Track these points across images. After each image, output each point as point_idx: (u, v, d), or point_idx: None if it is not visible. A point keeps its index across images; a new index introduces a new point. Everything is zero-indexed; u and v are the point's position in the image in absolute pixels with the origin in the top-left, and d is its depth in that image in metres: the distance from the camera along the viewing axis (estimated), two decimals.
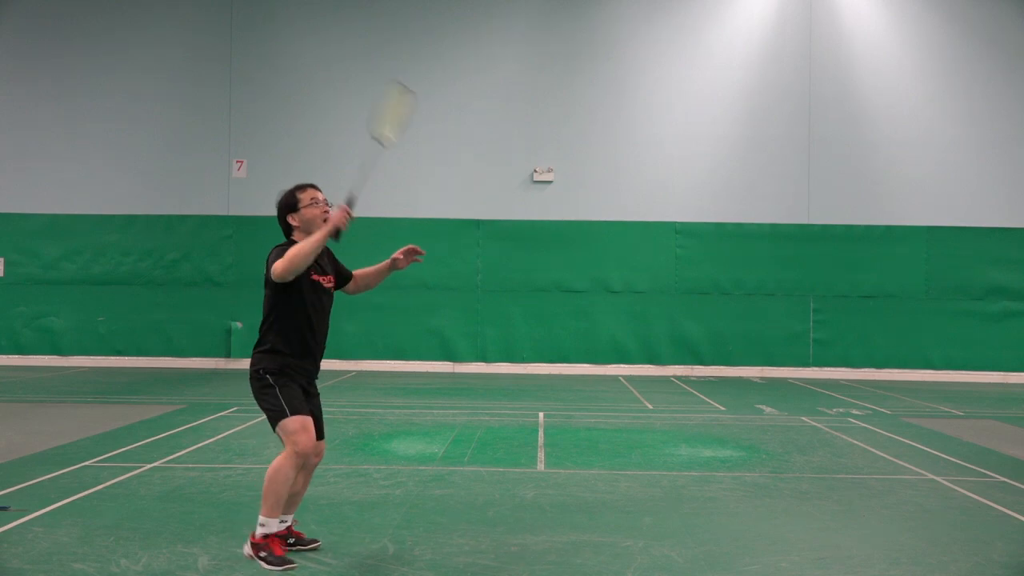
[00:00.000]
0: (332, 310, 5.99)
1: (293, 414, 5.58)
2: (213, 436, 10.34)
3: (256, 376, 5.70)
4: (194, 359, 19.94)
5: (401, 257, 6.09)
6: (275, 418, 5.62)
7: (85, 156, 20.31)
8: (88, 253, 20.16)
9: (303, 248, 5.48)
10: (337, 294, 6.10)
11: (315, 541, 6.05)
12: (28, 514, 6.64)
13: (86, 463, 8.57)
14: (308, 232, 5.77)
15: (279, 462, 5.56)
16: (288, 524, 5.90)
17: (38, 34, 20.51)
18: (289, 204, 5.93)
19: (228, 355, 19.82)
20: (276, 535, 5.64)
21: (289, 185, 6.18)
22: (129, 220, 20.19)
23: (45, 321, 20.06)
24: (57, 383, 16.19)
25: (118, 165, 20.29)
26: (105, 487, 7.60)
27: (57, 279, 20.12)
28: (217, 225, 20.15)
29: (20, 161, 20.35)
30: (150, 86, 20.39)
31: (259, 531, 5.56)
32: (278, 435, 5.67)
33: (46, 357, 19.96)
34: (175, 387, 15.74)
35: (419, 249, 6.14)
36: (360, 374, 18.21)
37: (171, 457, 9.01)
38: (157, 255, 20.17)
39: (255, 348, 5.78)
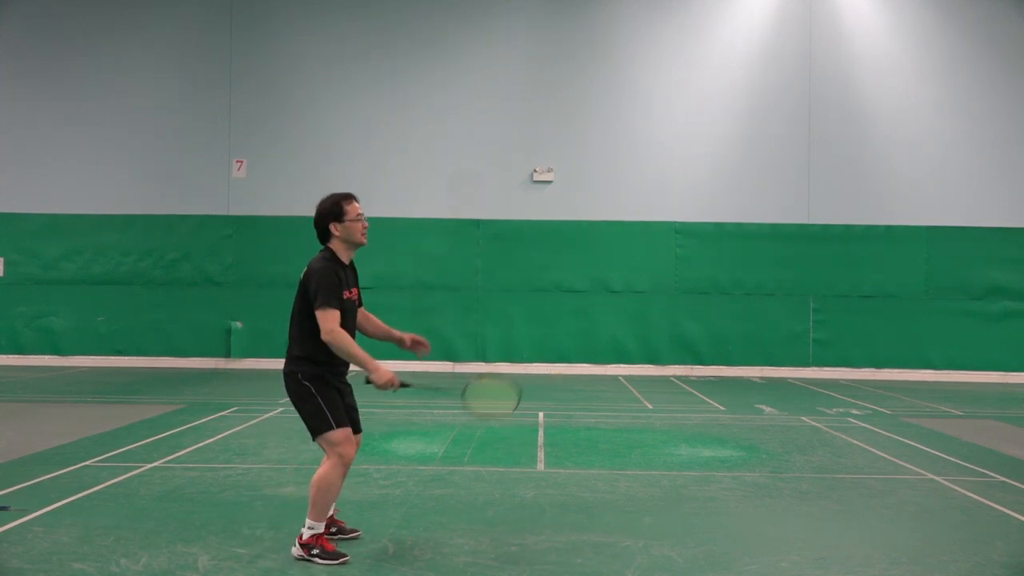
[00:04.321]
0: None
1: (338, 426, 5.78)
2: (213, 436, 10.35)
3: (295, 381, 5.82)
4: (194, 359, 19.92)
5: (407, 342, 6.30)
6: (319, 429, 5.75)
7: (85, 156, 20.29)
8: (88, 253, 20.15)
9: (350, 351, 5.75)
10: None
11: (355, 531, 6.30)
12: (28, 514, 6.65)
13: (86, 463, 8.57)
14: (347, 241, 5.94)
15: (325, 471, 5.70)
16: (330, 514, 6.04)
17: (38, 35, 20.50)
18: (334, 213, 5.93)
19: (228, 355, 19.80)
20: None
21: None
22: (129, 220, 20.18)
23: (45, 321, 20.05)
24: (57, 383, 16.19)
25: (118, 165, 20.27)
26: (105, 487, 7.61)
27: (57, 279, 20.10)
28: (217, 225, 20.13)
29: (20, 161, 20.34)
30: (150, 86, 20.38)
31: (307, 533, 5.74)
32: (319, 444, 5.82)
33: (46, 357, 19.94)
34: (175, 387, 15.74)
35: (425, 345, 6.34)
36: (360, 374, 18.13)
37: (171, 457, 9.01)
38: (157, 255, 20.15)
39: (290, 351, 5.89)
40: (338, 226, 5.90)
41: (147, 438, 10.09)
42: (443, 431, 11.00)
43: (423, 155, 20.15)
